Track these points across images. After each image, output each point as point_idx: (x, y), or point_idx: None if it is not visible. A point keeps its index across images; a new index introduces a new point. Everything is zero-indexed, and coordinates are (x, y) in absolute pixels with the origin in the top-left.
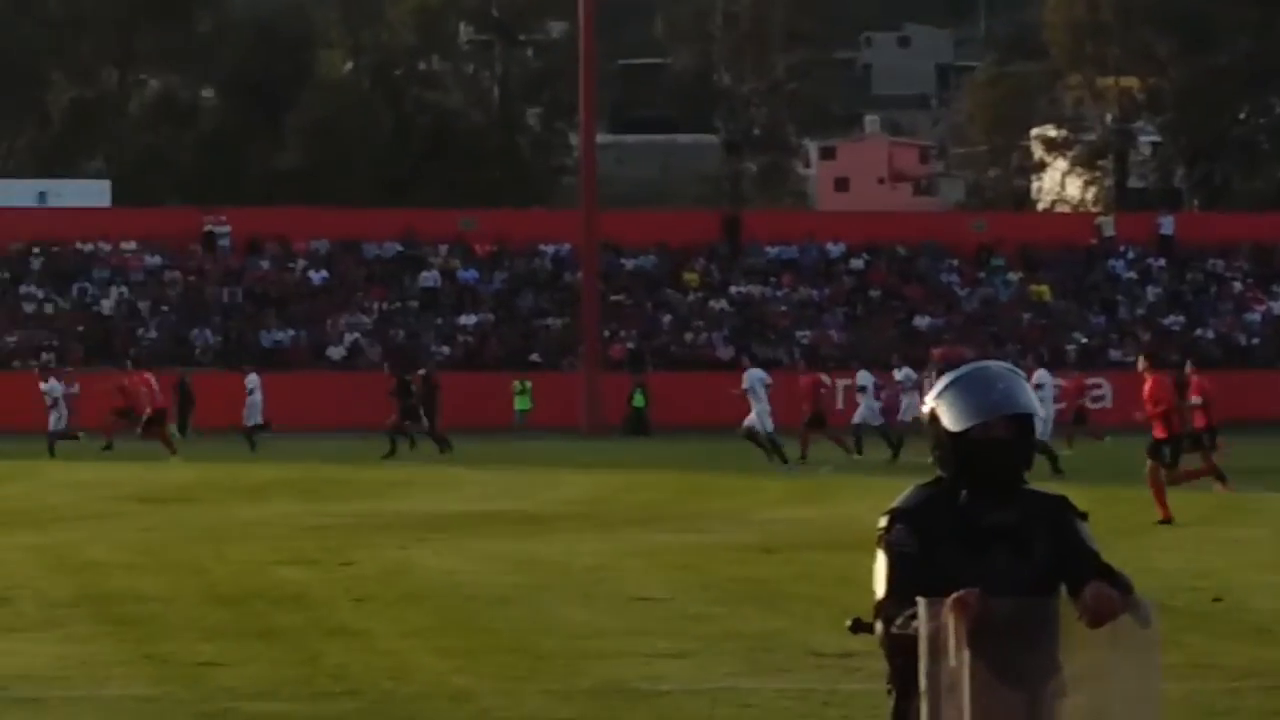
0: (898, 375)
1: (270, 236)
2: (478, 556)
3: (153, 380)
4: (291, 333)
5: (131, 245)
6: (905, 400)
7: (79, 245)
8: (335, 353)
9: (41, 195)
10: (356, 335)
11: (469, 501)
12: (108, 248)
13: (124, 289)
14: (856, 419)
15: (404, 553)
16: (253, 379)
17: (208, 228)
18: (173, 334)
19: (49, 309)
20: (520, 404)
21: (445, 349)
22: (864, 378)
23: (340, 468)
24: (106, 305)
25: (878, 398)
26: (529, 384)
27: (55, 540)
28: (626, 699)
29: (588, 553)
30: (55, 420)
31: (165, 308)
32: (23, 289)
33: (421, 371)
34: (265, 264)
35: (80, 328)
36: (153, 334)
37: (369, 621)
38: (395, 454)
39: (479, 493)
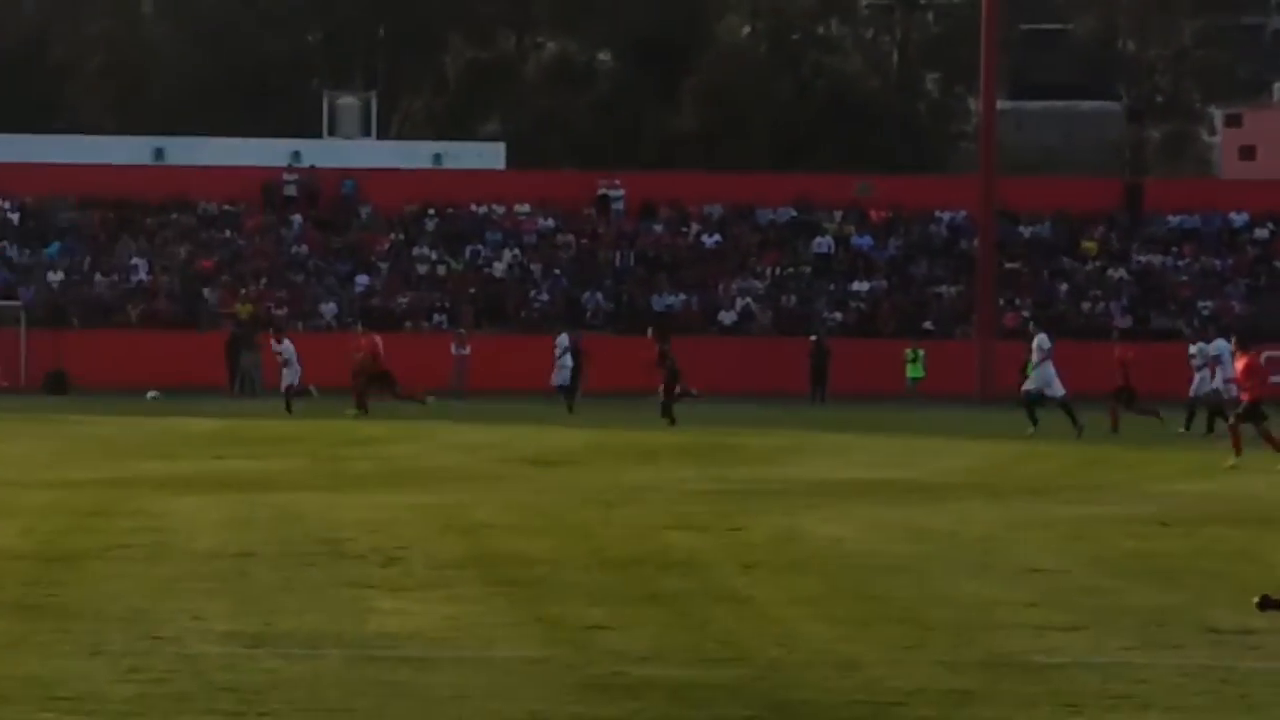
0: (1191, 349)
1: (664, 200)
2: (866, 524)
3: (379, 341)
4: (683, 297)
5: (525, 208)
6: (1197, 377)
7: (473, 207)
8: (727, 317)
9: (437, 157)
10: (748, 300)
11: (858, 469)
12: (501, 210)
13: (517, 251)
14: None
15: (792, 519)
16: (563, 340)
17: (602, 191)
18: (565, 297)
19: (441, 271)
20: (913, 372)
21: (838, 315)
22: (1220, 346)
23: (730, 432)
24: (499, 268)
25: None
26: (922, 352)
27: (444, 501)
28: (1018, 671)
29: (979, 522)
30: (289, 376)
31: (557, 271)
32: (416, 250)
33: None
34: (659, 228)
35: (472, 290)
36: (544, 296)
37: (757, 588)
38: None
39: (869, 460)
